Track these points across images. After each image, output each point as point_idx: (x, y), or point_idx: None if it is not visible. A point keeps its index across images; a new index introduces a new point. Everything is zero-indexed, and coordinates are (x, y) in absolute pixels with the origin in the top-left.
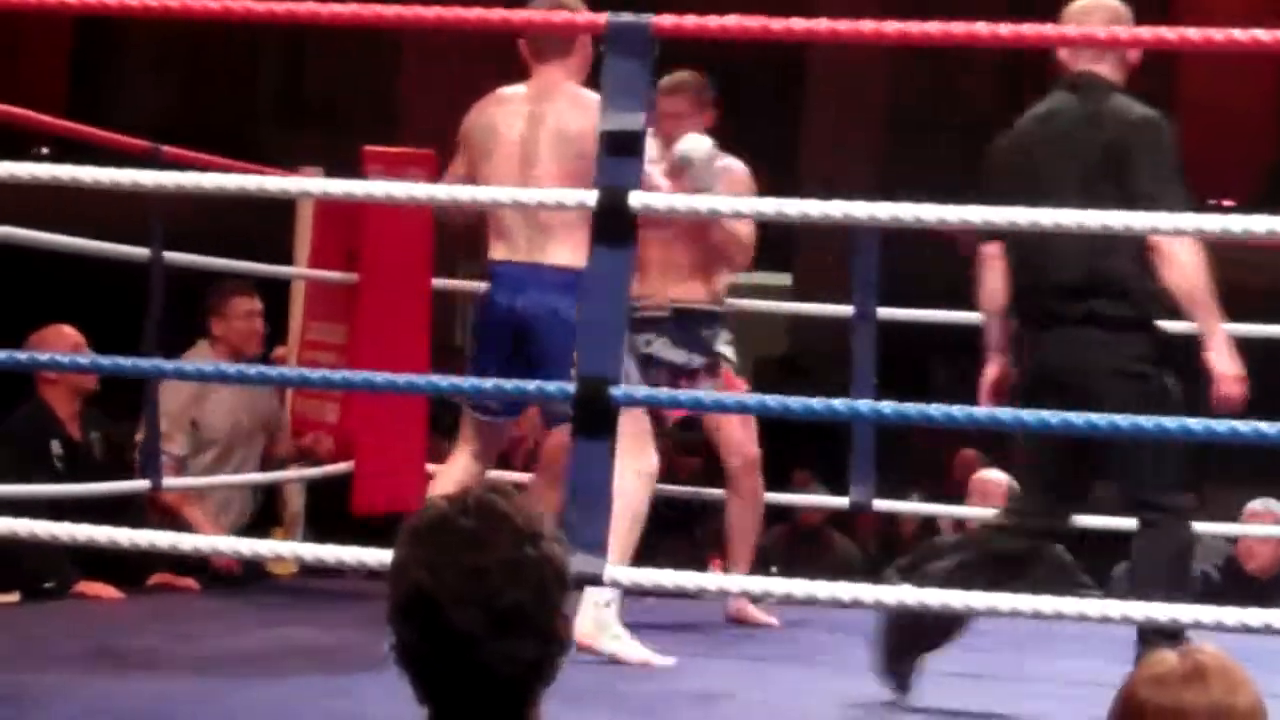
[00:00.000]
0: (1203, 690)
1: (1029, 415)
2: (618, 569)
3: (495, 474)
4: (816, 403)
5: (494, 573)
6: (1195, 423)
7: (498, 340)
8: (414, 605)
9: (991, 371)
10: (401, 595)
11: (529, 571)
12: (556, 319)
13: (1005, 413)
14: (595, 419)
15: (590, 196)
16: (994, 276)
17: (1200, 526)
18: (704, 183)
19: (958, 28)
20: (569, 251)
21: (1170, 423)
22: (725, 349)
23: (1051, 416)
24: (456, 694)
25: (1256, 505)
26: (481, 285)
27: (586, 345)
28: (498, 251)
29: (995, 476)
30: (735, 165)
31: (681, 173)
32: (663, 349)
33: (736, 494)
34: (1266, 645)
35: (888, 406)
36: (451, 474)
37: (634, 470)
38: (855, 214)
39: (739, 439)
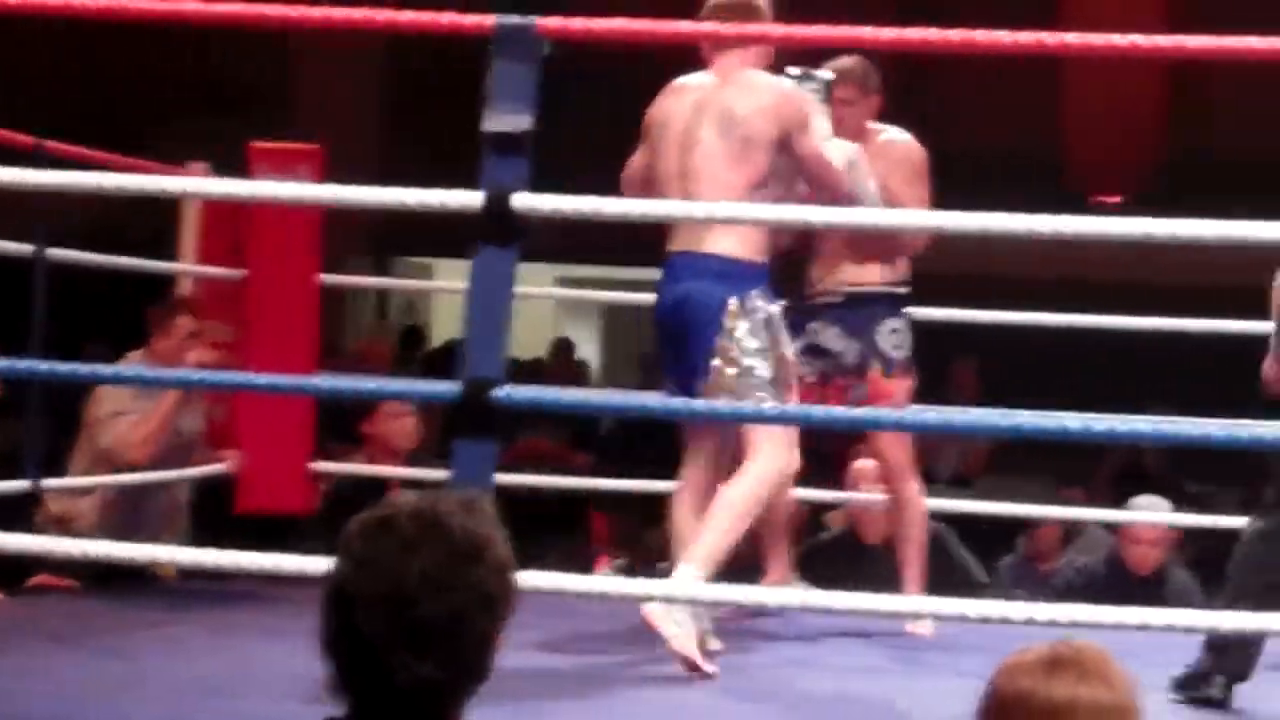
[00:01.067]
0: (1051, 681)
1: (936, 417)
2: None
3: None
4: (749, 408)
5: (412, 584)
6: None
7: (668, 331)
8: (333, 596)
9: None
10: (328, 584)
11: (450, 591)
12: (712, 307)
13: (934, 417)
14: (477, 421)
15: (475, 198)
16: None
17: (1088, 518)
18: (859, 186)
19: (843, 30)
20: (731, 239)
21: (1144, 424)
22: (888, 343)
23: (994, 416)
24: (363, 692)
25: (1141, 501)
26: (373, 281)
27: (471, 347)
28: (670, 243)
29: (869, 465)
30: (899, 138)
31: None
32: (831, 339)
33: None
34: (1152, 641)
35: (819, 410)
36: (686, 486)
37: (755, 473)
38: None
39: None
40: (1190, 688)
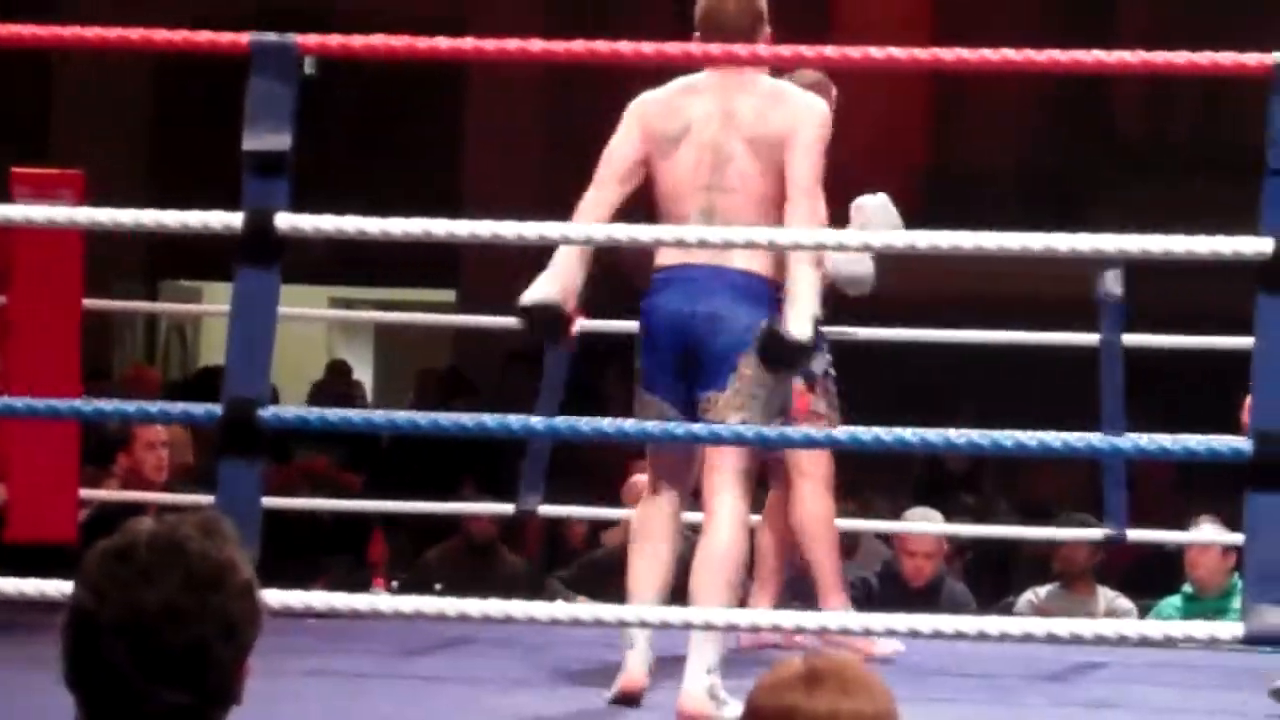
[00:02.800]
0: (813, 695)
1: (679, 428)
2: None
3: None
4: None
5: (153, 613)
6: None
7: (673, 346)
8: (74, 626)
9: None
10: (67, 613)
11: (191, 620)
12: (737, 323)
13: (679, 428)
14: (242, 441)
15: (236, 219)
16: None
17: (861, 528)
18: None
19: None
20: (758, 256)
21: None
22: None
23: (728, 430)
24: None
25: (914, 513)
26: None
27: (234, 367)
28: (671, 256)
29: (644, 480)
30: None
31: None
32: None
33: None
34: (927, 651)
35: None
36: (651, 515)
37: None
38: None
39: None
40: None
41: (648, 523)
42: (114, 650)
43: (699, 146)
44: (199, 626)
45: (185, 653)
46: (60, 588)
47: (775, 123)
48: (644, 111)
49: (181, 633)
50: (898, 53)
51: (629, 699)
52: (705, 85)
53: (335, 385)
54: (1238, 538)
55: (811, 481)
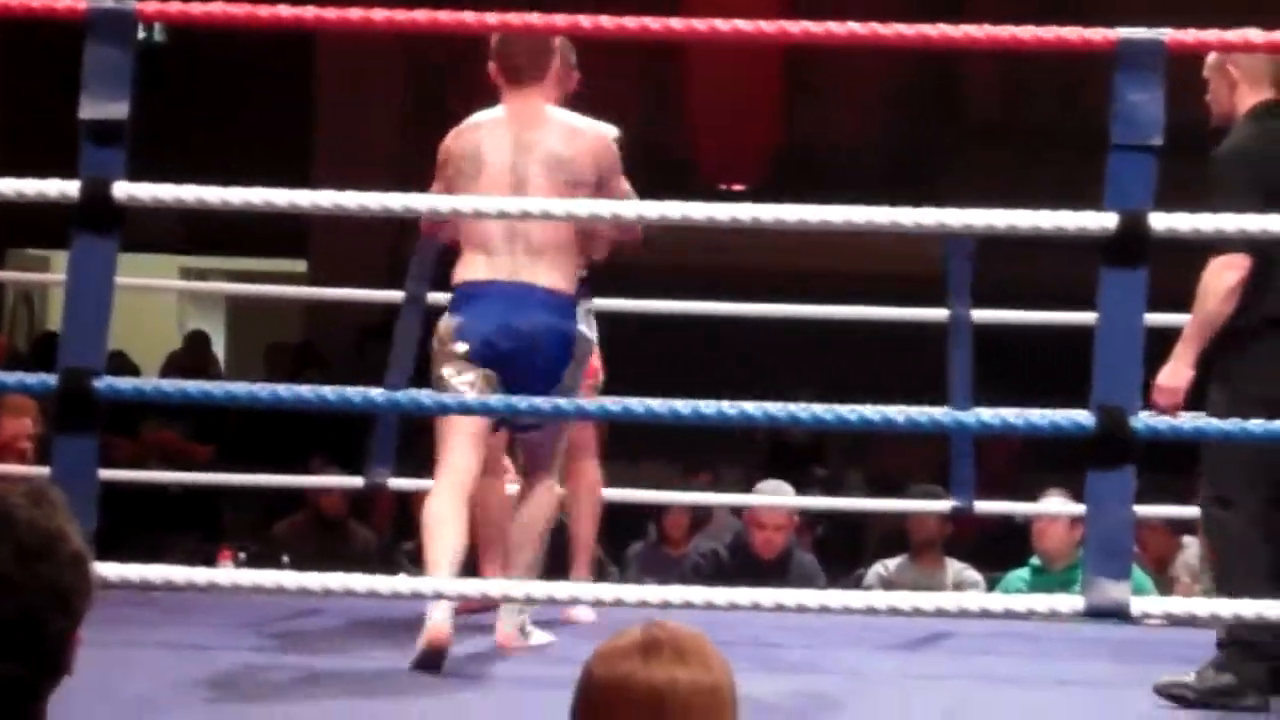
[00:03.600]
0: (649, 664)
1: (515, 403)
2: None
3: None
4: (393, 394)
5: None
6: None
7: (492, 359)
8: None
9: None
10: None
11: (21, 590)
12: (553, 337)
13: (522, 401)
14: (78, 412)
15: (73, 187)
16: None
17: (713, 501)
18: None
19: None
20: (557, 274)
21: (753, 408)
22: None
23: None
24: None
25: (766, 486)
26: None
27: (69, 337)
28: (478, 271)
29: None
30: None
31: None
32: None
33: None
34: (778, 623)
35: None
36: (453, 485)
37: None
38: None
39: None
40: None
41: (437, 509)
42: None
43: (498, 173)
44: (29, 596)
45: (16, 624)
46: None
47: (575, 154)
48: (446, 154)
49: (12, 604)
50: (744, 25)
51: (436, 650)
52: (500, 120)
53: (192, 357)
54: (1084, 509)
55: (588, 455)
